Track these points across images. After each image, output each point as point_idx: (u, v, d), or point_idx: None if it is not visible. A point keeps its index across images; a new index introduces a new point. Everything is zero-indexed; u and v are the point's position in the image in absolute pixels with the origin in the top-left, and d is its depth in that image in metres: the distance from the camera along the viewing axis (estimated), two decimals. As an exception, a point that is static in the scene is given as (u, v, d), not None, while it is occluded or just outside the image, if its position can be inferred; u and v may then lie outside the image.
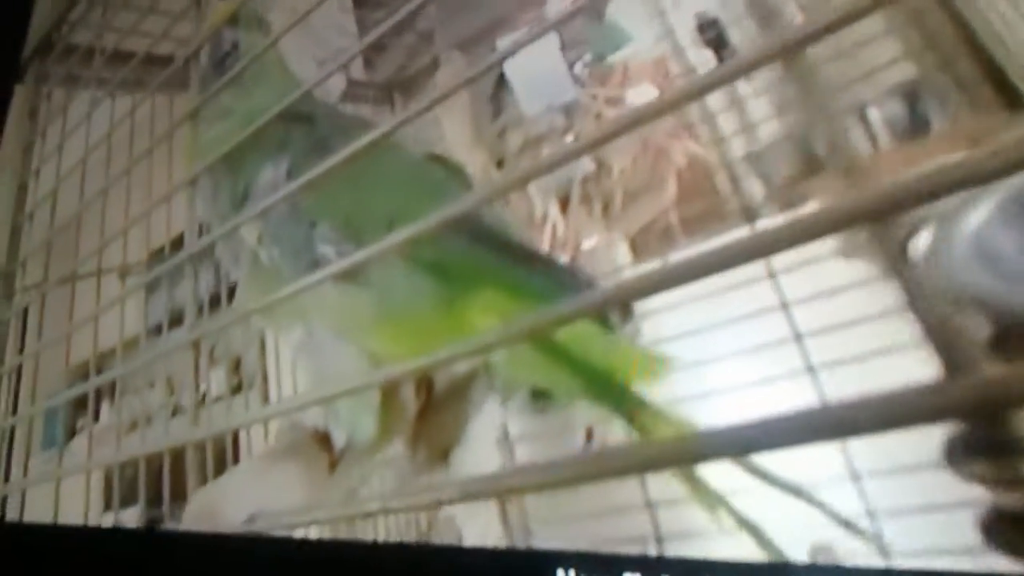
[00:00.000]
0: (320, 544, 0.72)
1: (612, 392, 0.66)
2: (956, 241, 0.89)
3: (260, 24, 0.86)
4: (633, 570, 0.45)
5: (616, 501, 1.31)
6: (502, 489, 0.43)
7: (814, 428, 0.29)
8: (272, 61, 0.84)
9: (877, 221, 0.29)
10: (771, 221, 1.35)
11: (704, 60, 1.60)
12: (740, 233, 0.92)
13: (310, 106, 0.78)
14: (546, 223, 1.58)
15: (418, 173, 0.78)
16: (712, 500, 0.62)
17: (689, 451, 0.34)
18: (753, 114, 1.47)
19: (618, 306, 0.69)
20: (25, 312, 1.14)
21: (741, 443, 0.31)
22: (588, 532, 1.32)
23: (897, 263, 0.32)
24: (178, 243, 0.88)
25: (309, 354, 0.73)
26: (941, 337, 0.29)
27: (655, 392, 0.66)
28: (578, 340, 0.65)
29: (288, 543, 0.65)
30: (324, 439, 0.75)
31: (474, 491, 0.41)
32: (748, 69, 0.34)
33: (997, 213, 0.87)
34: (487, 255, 0.68)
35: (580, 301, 0.36)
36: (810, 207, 1.33)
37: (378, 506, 0.45)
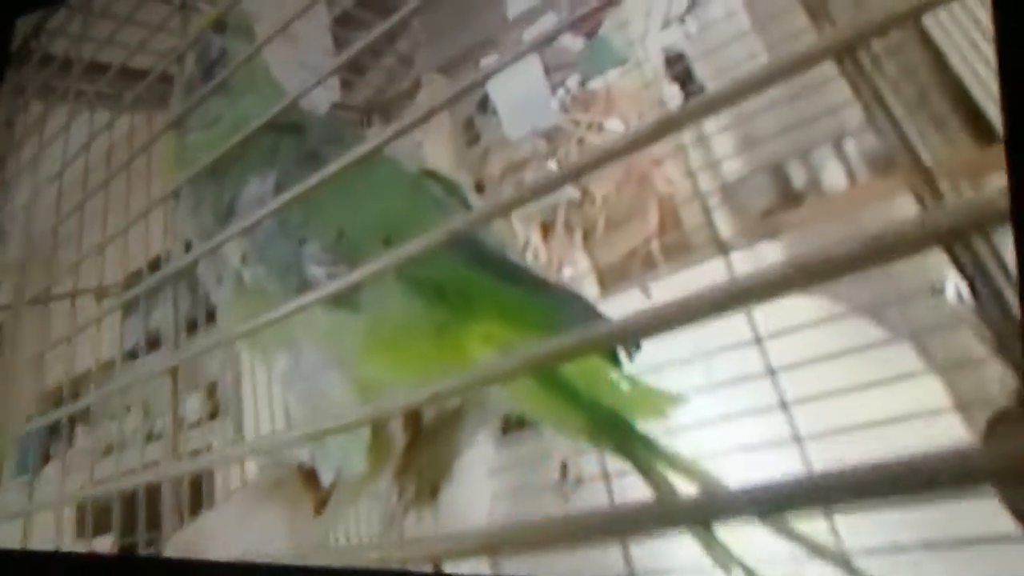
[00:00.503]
0: (302, 571, 0.70)
1: (618, 432, 0.65)
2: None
3: (248, 33, 0.85)
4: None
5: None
6: (501, 545, 0.41)
7: (841, 490, 0.28)
8: (260, 71, 0.83)
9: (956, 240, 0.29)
10: (745, 253, 1.36)
11: (672, 94, 1.62)
12: (717, 264, 0.92)
13: (300, 118, 0.77)
14: (527, 250, 1.58)
15: (414, 188, 0.77)
16: (726, 557, 0.61)
17: (704, 511, 0.33)
18: (718, 150, 1.48)
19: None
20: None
21: (764, 503, 0.30)
22: (558, 567, 1.30)
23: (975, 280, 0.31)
24: (156, 265, 0.86)
25: (295, 384, 0.71)
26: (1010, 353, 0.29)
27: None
28: (583, 373, 0.64)
29: (269, 569, 0.63)
30: (309, 476, 0.73)
31: (471, 547, 0.39)
32: (724, 102, 0.33)
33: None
34: (485, 277, 0.66)
35: (589, 333, 0.35)
36: (786, 240, 1.33)
37: (376, 555, 0.43)
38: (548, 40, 0.42)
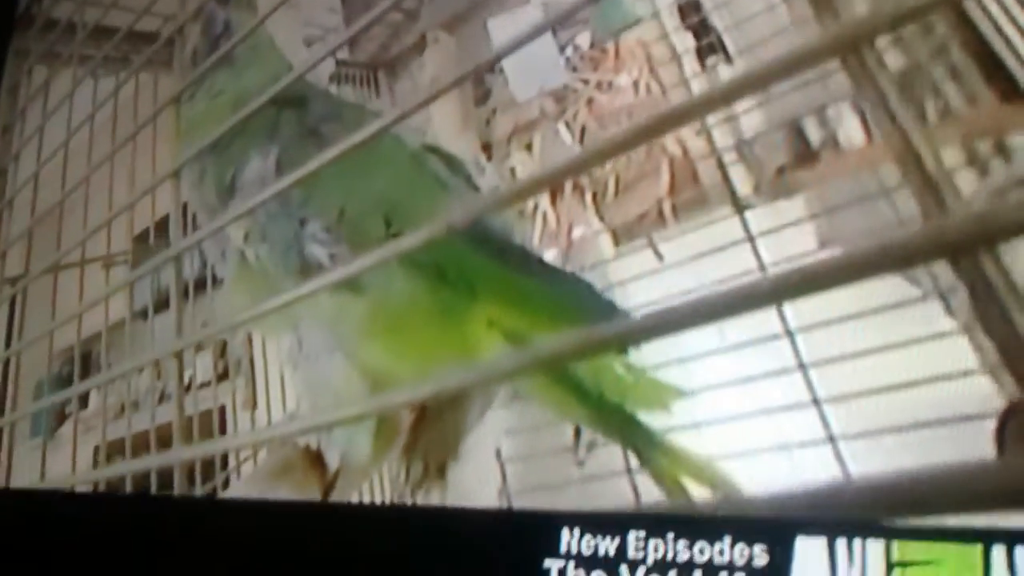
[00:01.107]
0: (317, 507, 0.71)
1: (621, 423, 0.65)
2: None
3: (249, 3, 0.84)
4: (639, 528, 0.45)
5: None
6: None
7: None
8: (264, 42, 0.83)
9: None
10: (761, 211, 1.34)
11: (686, 45, 1.58)
12: (734, 223, 0.90)
13: (302, 89, 0.77)
14: (536, 213, 1.57)
15: (415, 165, 0.76)
16: None
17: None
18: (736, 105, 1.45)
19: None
20: (12, 298, 1.11)
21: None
22: (565, 505, 1.30)
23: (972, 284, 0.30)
24: (163, 225, 0.86)
25: (299, 366, 0.70)
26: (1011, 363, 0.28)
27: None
28: (589, 364, 0.63)
29: (283, 506, 0.64)
30: (316, 459, 0.73)
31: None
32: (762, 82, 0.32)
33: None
34: (489, 261, 0.66)
35: (600, 333, 0.34)
36: (802, 198, 1.31)
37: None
38: (562, 18, 0.41)
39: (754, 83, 0.32)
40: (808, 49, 0.30)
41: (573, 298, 0.67)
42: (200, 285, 1.31)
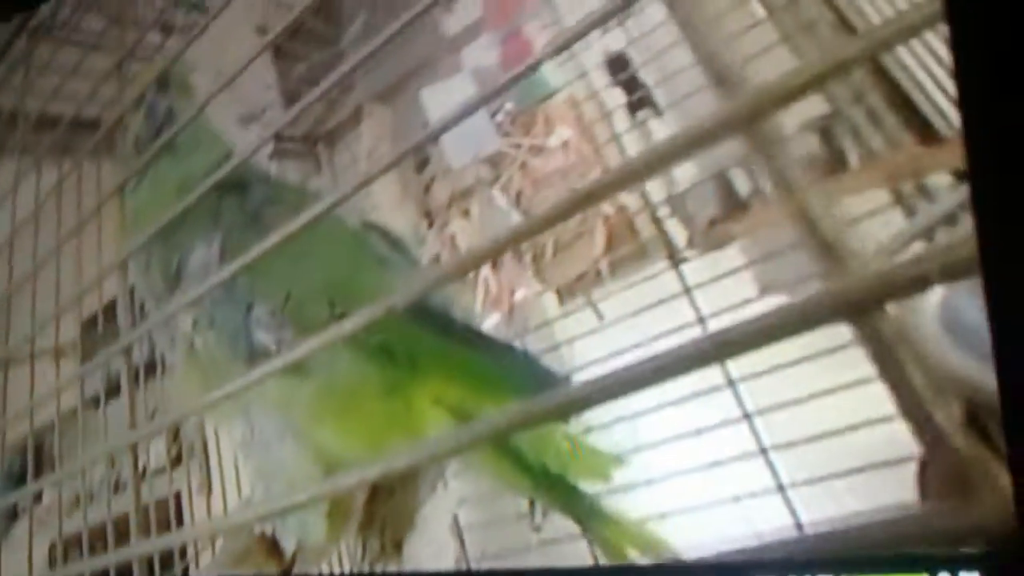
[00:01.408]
0: None
1: (563, 494, 0.66)
2: (923, 314, 0.87)
3: (188, 89, 0.85)
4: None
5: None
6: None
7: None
8: (203, 127, 0.83)
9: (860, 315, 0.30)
10: (696, 264, 1.36)
11: (616, 100, 1.60)
12: (670, 277, 0.92)
13: (242, 173, 0.77)
14: (478, 278, 1.58)
15: (357, 244, 0.77)
16: None
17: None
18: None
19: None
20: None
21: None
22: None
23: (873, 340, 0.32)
24: (110, 309, 0.86)
25: (252, 452, 0.71)
26: (916, 415, 0.30)
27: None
28: (530, 435, 0.64)
29: None
30: (272, 545, 0.73)
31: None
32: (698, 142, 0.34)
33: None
34: (432, 336, 0.67)
35: (546, 402, 0.35)
36: (734, 250, 1.33)
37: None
38: (497, 93, 0.43)
39: (687, 147, 0.34)
40: (731, 115, 0.32)
41: (514, 369, 0.68)
42: (150, 368, 1.31)
